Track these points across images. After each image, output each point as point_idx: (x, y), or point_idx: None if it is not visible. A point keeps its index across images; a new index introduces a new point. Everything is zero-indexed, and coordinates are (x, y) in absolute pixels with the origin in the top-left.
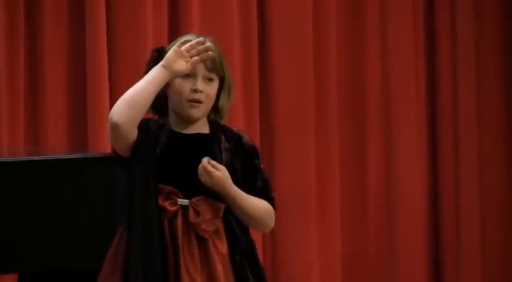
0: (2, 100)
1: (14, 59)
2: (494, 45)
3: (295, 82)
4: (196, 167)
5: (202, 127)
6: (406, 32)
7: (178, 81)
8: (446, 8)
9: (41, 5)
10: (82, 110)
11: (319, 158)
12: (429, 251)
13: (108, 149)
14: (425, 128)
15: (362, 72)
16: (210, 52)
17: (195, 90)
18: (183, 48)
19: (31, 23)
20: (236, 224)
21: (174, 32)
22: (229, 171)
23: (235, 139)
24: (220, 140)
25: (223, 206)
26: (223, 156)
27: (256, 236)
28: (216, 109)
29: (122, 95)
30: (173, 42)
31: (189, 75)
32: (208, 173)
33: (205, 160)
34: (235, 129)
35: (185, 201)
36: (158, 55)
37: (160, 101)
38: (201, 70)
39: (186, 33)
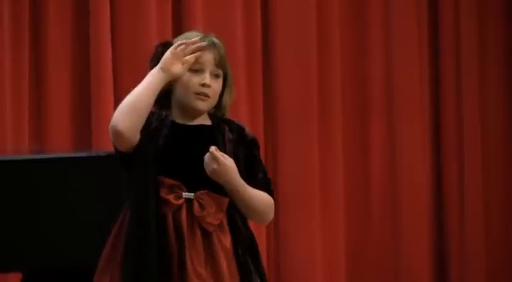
0: (7, 99)
1: (19, 58)
2: (498, 44)
3: (299, 77)
4: (200, 159)
5: (205, 120)
6: (409, 30)
7: (186, 75)
8: (450, 8)
9: (45, 3)
10: (86, 109)
11: (322, 151)
12: (433, 243)
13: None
14: (428, 122)
15: (366, 66)
16: (202, 47)
17: (204, 85)
18: (179, 49)
19: (36, 20)
20: (239, 218)
21: (178, 29)
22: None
23: (238, 130)
24: (224, 131)
25: (226, 200)
26: (227, 147)
27: (260, 228)
28: (218, 106)
29: (125, 96)
30: (177, 38)
31: (197, 70)
32: (217, 160)
33: (213, 148)
34: (236, 121)
35: (190, 195)
36: (163, 50)
37: (164, 94)
38: (210, 66)
39: (189, 29)
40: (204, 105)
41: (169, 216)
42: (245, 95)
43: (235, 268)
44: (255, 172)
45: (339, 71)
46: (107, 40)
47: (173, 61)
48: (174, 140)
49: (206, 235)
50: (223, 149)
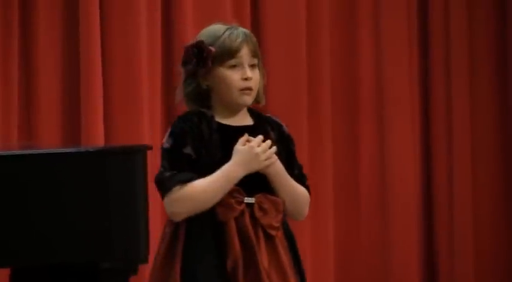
0: None
1: (8, 54)
2: (488, 44)
3: (288, 77)
4: None
5: (246, 117)
6: (399, 29)
7: (226, 73)
8: (440, 8)
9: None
10: (76, 104)
11: (312, 151)
12: (422, 241)
13: (100, 143)
14: (418, 121)
15: (355, 66)
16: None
17: (246, 79)
18: (260, 150)
19: (25, 16)
20: (285, 220)
21: (168, 30)
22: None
23: (277, 128)
24: (267, 131)
25: (281, 201)
26: (273, 147)
27: None
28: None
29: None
30: (202, 33)
31: (235, 65)
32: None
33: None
34: (273, 116)
35: (251, 199)
36: (199, 51)
37: (204, 95)
38: (247, 58)
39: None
40: (249, 99)
41: (232, 223)
42: None
43: (292, 266)
44: (292, 168)
45: (328, 70)
46: (96, 37)
47: (251, 159)
48: (225, 146)
49: (269, 238)
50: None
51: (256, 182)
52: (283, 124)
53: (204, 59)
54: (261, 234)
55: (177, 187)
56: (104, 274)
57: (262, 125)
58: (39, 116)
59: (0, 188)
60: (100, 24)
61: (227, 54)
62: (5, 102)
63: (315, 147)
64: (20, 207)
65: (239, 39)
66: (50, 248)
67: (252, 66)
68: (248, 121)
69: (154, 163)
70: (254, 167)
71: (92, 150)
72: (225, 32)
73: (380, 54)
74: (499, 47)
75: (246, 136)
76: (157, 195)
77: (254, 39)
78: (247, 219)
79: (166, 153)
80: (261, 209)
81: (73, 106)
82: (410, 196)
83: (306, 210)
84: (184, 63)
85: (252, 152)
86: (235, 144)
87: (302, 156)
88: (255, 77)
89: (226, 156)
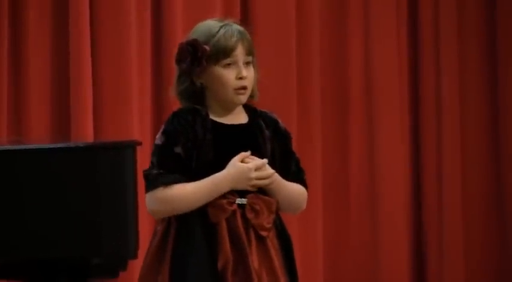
0: None
1: None
2: (477, 40)
3: (278, 76)
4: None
5: (240, 114)
6: (389, 24)
7: (220, 72)
8: (430, 3)
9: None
10: (65, 100)
11: (301, 149)
12: (412, 241)
13: (90, 139)
14: (408, 120)
15: (345, 65)
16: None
17: (241, 78)
18: (255, 176)
19: (15, 14)
20: (279, 220)
21: (158, 29)
22: (271, 159)
23: (273, 124)
24: (262, 129)
25: (274, 201)
26: (266, 145)
27: None
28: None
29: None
30: (196, 29)
31: (230, 64)
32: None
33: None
34: (269, 112)
35: (243, 200)
36: (193, 50)
37: (198, 93)
38: (241, 56)
39: (169, 28)
40: (244, 97)
41: (223, 224)
42: None
43: (283, 267)
44: (288, 165)
45: (318, 69)
46: (86, 34)
47: (242, 179)
48: (218, 146)
49: (260, 239)
50: (262, 149)
51: None
52: (279, 120)
53: (198, 58)
54: (252, 235)
55: (161, 188)
56: (94, 270)
57: (256, 123)
58: (29, 113)
59: None
60: (90, 23)
61: (222, 53)
62: None
63: (304, 146)
64: (9, 203)
65: (234, 38)
66: (39, 244)
67: (247, 63)
68: (243, 118)
69: (143, 159)
70: (243, 187)
71: (81, 145)
72: (219, 30)
73: (370, 53)
74: (489, 44)
75: (248, 153)
76: None
77: (249, 36)
78: (238, 220)
79: (157, 149)
80: (253, 209)
81: (63, 104)
82: (399, 196)
83: (303, 205)
84: (179, 61)
85: (247, 175)
86: (229, 143)
87: None
88: (249, 75)
89: (218, 157)
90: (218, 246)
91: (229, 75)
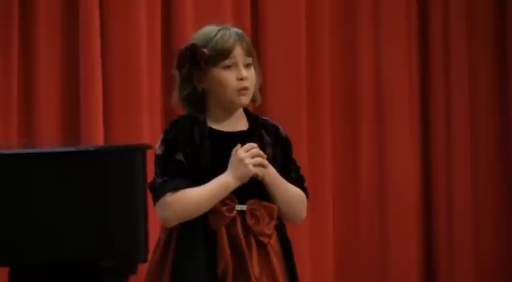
0: None
1: (8, 53)
2: (487, 43)
3: (288, 77)
4: None
5: (241, 120)
6: (399, 29)
7: (221, 74)
8: (439, 7)
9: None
10: (75, 103)
11: (311, 151)
12: (421, 240)
13: (100, 142)
14: (417, 120)
15: (355, 66)
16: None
17: (242, 79)
18: (244, 155)
19: (25, 16)
20: (282, 226)
21: (168, 30)
22: (272, 165)
23: (273, 131)
24: (262, 135)
25: (276, 207)
26: (267, 151)
27: None
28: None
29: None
30: (196, 35)
31: (230, 65)
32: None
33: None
34: (269, 119)
35: (243, 207)
36: (192, 54)
37: (199, 99)
38: (241, 58)
39: (179, 31)
40: (246, 99)
41: (223, 231)
42: None
43: (285, 273)
44: (288, 171)
45: (328, 71)
46: (96, 36)
47: (241, 167)
48: (216, 154)
49: (261, 245)
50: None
51: (250, 187)
52: (280, 126)
53: (197, 61)
54: (252, 241)
55: (169, 193)
56: (104, 273)
57: (257, 130)
58: (39, 115)
59: (0, 187)
60: (100, 25)
61: (221, 55)
62: (5, 102)
63: (314, 147)
64: (19, 206)
65: (231, 39)
66: (50, 247)
67: (247, 65)
68: (243, 126)
69: (153, 162)
70: (243, 173)
71: (92, 149)
72: (217, 33)
73: (379, 55)
74: (499, 47)
75: (238, 146)
76: None
77: (247, 38)
78: (238, 226)
79: (158, 159)
80: (253, 216)
81: (73, 105)
82: (409, 195)
83: (303, 213)
84: (179, 66)
85: (237, 157)
86: (227, 151)
87: (301, 155)
88: (250, 76)
89: (216, 164)
90: (218, 253)
91: (229, 76)
